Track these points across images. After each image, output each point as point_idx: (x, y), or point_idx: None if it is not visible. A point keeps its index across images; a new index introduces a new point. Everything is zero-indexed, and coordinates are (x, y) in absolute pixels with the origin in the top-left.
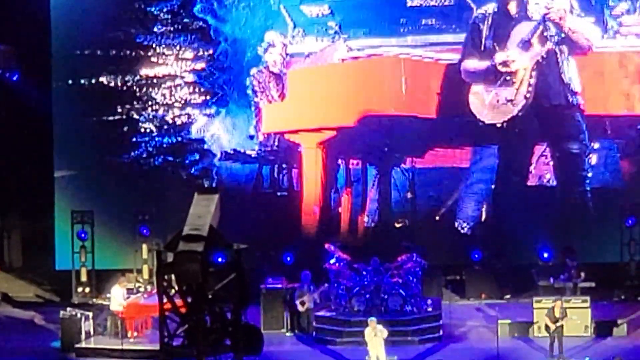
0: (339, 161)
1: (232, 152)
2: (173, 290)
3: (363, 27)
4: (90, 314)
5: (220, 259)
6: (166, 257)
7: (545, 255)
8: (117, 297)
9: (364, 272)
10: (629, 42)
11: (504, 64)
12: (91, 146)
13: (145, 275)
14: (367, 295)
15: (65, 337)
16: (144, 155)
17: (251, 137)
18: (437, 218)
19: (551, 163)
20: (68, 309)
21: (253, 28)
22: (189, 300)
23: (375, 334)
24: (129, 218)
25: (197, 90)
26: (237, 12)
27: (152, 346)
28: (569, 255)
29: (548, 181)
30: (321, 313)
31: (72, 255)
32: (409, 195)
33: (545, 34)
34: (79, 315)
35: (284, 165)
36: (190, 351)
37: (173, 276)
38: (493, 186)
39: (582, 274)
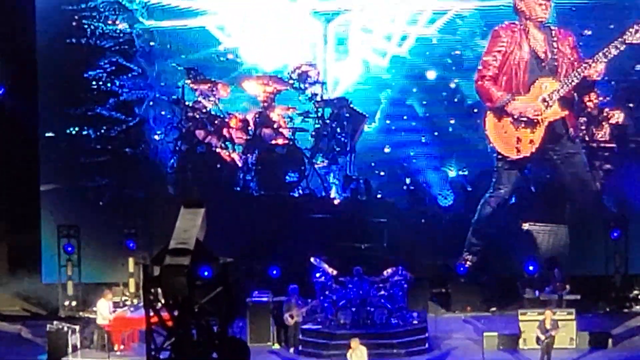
0: None
1: None
2: (160, 304)
3: None
4: (77, 328)
5: (206, 273)
6: (153, 270)
7: (531, 267)
8: (103, 311)
9: (350, 285)
10: None
11: None
12: (77, 160)
13: (132, 289)
14: (353, 309)
15: (52, 350)
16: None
17: None
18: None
19: None
20: (55, 322)
21: None
22: (176, 313)
23: (356, 354)
24: (115, 232)
25: None
26: None
27: (139, 359)
28: (553, 267)
29: None
30: (307, 326)
31: (59, 268)
32: None
33: None
34: (65, 328)
35: None
36: None
37: (159, 290)
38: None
39: (567, 287)
